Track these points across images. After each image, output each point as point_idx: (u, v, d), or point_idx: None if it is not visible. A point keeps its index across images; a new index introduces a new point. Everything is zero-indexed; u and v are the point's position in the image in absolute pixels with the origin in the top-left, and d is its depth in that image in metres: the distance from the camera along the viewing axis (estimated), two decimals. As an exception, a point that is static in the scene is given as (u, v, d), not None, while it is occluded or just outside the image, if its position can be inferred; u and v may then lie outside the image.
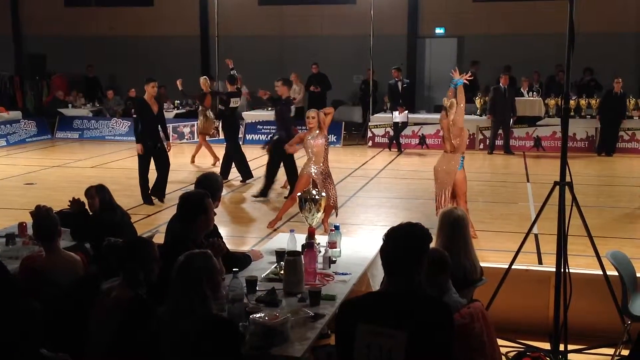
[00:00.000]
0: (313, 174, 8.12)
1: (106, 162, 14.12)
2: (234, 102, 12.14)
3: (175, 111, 17.90)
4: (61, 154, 15.78)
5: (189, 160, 14.02)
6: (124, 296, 3.70)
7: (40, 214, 4.82)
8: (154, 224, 8.67)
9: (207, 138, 13.92)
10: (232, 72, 12.72)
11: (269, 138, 11.55)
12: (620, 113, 14.90)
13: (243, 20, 20.01)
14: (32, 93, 20.99)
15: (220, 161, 12.39)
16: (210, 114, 13.78)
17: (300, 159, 9.31)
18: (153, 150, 9.90)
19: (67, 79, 20.66)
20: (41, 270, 4.52)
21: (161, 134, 10.14)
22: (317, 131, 8.12)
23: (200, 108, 13.95)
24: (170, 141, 10.55)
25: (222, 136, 12.77)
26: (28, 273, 4.56)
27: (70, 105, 19.01)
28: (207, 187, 4.82)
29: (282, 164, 10.22)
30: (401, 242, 3.22)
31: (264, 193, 10.28)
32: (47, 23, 21.53)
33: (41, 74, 20.99)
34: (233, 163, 11.91)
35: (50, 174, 12.63)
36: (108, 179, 10.55)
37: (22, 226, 5.79)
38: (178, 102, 18.33)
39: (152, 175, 10.10)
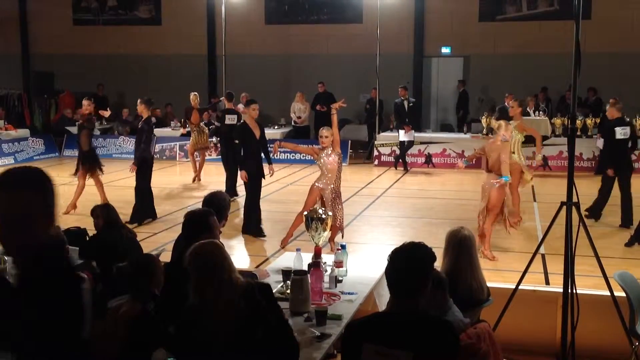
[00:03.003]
0: (322, 188, 8.12)
1: (113, 180, 14.15)
2: (230, 119, 12.14)
3: (182, 130, 17.97)
4: (68, 171, 15.82)
5: (197, 178, 14.10)
6: (133, 311, 3.72)
7: (48, 232, 4.82)
8: (160, 241, 8.67)
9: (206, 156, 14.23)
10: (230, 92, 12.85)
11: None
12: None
13: (250, 39, 20.15)
14: (40, 111, 21.13)
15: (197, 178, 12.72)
16: (203, 126, 14.06)
17: (311, 177, 9.26)
18: (259, 175, 9.20)
19: (75, 97, 20.79)
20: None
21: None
22: (331, 149, 8.13)
23: (187, 125, 14.23)
24: (272, 165, 9.44)
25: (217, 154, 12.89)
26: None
27: (77, 123, 19.08)
28: (214, 206, 4.83)
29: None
30: (405, 262, 3.22)
31: (137, 219, 9.93)
32: (55, 42, 21.72)
33: (49, 92, 21.16)
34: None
35: (58, 192, 12.65)
36: (115, 197, 10.59)
37: (29, 244, 5.79)
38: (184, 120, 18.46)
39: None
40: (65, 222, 8.79)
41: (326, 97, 17.85)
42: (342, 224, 8.26)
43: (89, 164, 10.71)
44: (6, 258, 5.47)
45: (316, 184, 8.21)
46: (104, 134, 18.79)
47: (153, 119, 16.75)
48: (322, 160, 8.13)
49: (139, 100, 10.25)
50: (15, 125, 18.36)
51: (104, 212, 5.88)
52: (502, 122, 8.43)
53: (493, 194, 7.93)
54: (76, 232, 6.48)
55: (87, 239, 6.39)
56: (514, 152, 9.59)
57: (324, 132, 8.12)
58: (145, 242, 8.11)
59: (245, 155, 9.14)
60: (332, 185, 8.12)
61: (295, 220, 8.42)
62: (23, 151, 17.17)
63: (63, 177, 14.55)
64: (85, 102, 11.09)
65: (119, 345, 3.66)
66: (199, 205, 4.99)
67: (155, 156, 17.21)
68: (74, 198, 10.66)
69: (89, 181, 10.79)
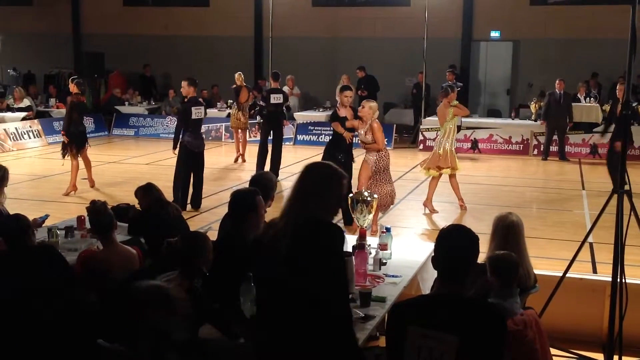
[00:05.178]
0: (368, 161, 8.16)
1: (160, 159, 14.38)
2: (276, 99, 12.15)
3: (228, 110, 18.07)
4: (117, 150, 16.15)
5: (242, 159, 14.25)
6: (181, 287, 3.78)
7: (96, 208, 4.93)
8: (207, 220, 8.79)
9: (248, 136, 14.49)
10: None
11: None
12: None
13: (296, 21, 20.12)
14: (90, 90, 21.48)
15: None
16: (245, 107, 14.27)
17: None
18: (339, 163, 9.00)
19: (125, 77, 21.10)
20: (98, 264, 4.63)
21: None
22: (368, 126, 8.10)
23: (235, 105, 14.39)
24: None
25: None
26: (85, 266, 4.67)
27: (126, 102, 19.41)
28: (260, 185, 4.84)
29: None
30: (449, 245, 3.21)
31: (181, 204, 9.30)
32: (106, 22, 22.04)
33: (99, 71, 21.49)
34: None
35: (106, 170, 12.91)
36: (162, 176, 10.76)
37: (80, 219, 5.93)
38: (230, 101, 18.56)
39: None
40: (111, 199, 8.99)
41: (368, 81, 17.74)
42: (388, 200, 8.19)
43: (77, 144, 10.64)
44: (58, 232, 5.62)
45: (365, 157, 8.26)
46: (151, 114, 19.05)
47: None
48: (360, 135, 8.18)
49: (186, 82, 9.95)
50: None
51: (147, 192, 5.91)
52: None
53: None
54: (125, 208, 6.59)
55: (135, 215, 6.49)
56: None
57: (365, 103, 8.23)
58: (191, 220, 8.22)
59: (331, 141, 8.90)
60: (376, 158, 8.11)
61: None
62: (73, 129, 17.47)
63: (112, 156, 14.85)
64: (71, 85, 11.04)
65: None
66: (245, 185, 5.02)
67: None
68: (73, 178, 10.61)
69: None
